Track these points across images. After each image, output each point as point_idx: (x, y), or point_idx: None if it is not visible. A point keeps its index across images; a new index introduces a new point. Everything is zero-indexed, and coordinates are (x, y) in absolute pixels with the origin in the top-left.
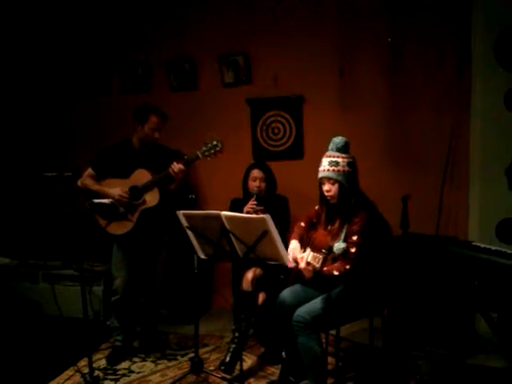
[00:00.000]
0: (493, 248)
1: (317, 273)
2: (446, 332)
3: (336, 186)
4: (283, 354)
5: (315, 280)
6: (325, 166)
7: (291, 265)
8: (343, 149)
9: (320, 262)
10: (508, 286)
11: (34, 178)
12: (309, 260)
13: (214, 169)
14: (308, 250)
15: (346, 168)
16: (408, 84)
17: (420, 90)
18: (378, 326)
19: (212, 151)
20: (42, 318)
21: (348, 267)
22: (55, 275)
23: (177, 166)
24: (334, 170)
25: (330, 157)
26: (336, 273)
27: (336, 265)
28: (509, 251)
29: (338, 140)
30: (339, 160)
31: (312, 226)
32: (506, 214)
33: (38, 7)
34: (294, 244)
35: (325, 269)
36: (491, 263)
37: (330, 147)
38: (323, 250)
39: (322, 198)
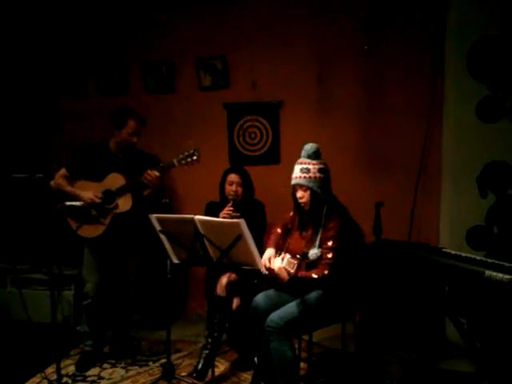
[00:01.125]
0: (463, 255)
1: (292, 278)
2: (416, 337)
3: (308, 192)
4: (255, 359)
5: (290, 285)
6: (296, 173)
7: (264, 271)
8: (314, 155)
9: (295, 267)
10: (477, 292)
11: (4, 179)
12: (283, 265)
13: (189, 173)
14: (283, 254)
15: (318, 174)
16: (383, 92)
17: (395, 98)
18: (350, 332)
19: (189, 159)
20: (10, 323)
21: (326, 272)
22: (24, 279)
23: (151, 174)
24: (305, 177)
25: (301, 164)
26: (315, 276)
27: (314, 270)
28: (478, 258)
29: (309, 147)
30: (310, 167)
31: (287, 231)
32: (477, 222)
33: (13, 5)
34: (270, 252)
35: (302, 273)
36: (461, 269)
37: (301, 154)
38: (298, 256)
39: (296, 204)
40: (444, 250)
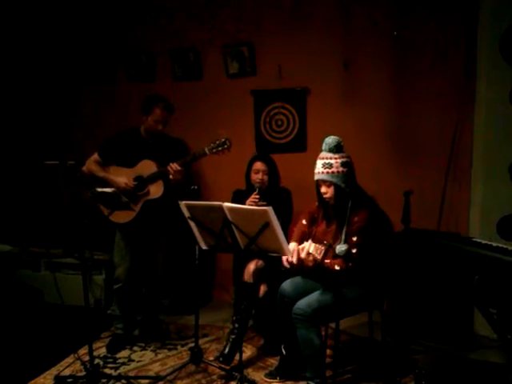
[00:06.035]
0: (494, 244)
1: (318, 264)
2: (444, 327)
3: (332, 187)
4: (282, 348)
5: (317, 273)
6: (319, 168)
7: (287, 262)
8: (336, 149)
9: (322, 253)
10: (508, 283)
11: (37, 167)
12: (310, 251)
13: (216, 160)
14: (309, 241)
15: (341, 169)
16: (413, 78)
17: (425, 85)
18: (377, 320)
19: (220, 148)
20: (44, 306)
21: (350, 265)
22: (57, 263)
23: (172, 167)
24: (327, 172)
25: (323, 158)
26: (337, 268)
27: (338, 260)
28: (510, 248)
29: (330, 140)
30: (332, 161)
31: (314, 220)
32: (508, 211)
33: None
34: (294, 246)
35: (327, 261)
36: (491, 259)
37: (322, 148)
38: (325, 242)
39: (320, 199)
40: (474, 239)
